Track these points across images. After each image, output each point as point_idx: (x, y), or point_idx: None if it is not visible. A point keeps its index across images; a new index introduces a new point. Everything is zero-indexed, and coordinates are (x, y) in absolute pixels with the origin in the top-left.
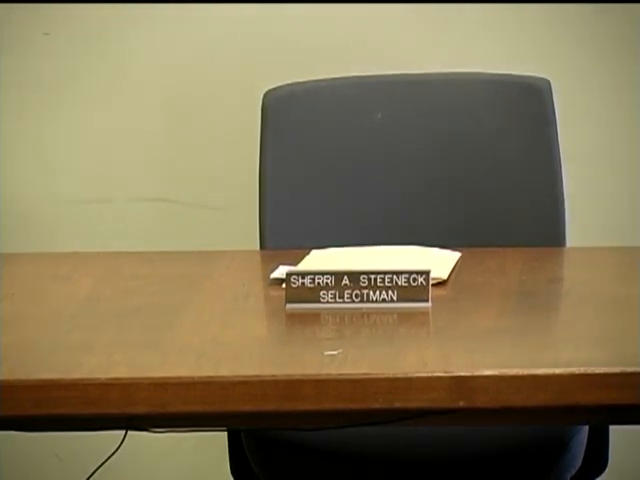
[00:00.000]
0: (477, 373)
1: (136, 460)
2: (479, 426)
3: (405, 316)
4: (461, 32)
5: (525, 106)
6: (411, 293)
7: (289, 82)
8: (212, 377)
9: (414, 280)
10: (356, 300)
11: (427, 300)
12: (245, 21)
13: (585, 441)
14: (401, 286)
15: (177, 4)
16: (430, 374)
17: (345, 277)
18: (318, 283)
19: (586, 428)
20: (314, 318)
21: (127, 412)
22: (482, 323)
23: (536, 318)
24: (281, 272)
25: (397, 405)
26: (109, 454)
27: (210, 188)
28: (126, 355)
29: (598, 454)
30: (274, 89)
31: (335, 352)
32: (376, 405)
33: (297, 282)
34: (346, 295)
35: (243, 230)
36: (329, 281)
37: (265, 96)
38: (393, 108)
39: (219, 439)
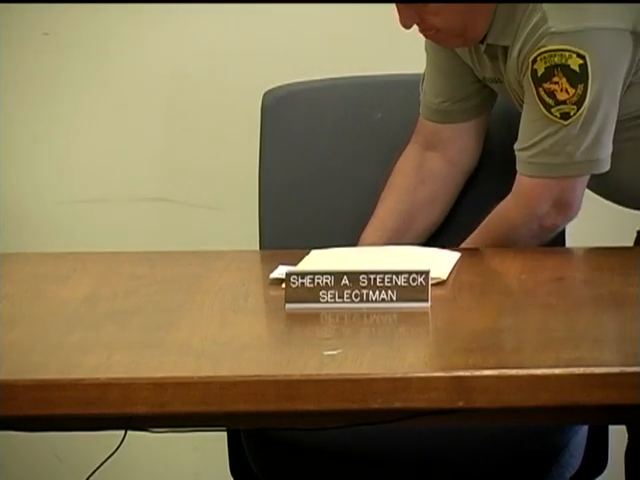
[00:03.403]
0: (477, 373)
1: (136, 460)
2: (479, 426)
3: (405, 316)
4: None
5: None
6: (411, 293)
7: (288, 82)
8: (212, 377)
9: (414, 280)
10: (356, 300)
11: (427, 300)
12: (244, 21)
13: (585, 441)
14: (401, 286)
15: (177, 5)
16: (430, 374)
17: (345, 277)
18: (318, 283)
19: (585, 428)
20: (314, 318)
21: (127, 412)
22: (482, 323)
23: (536, 318)
24: (281, 272)
25: (397, 405)
26: (109, 454)
27: (210, 188)
28: (125, 355)
29: (597, 454)
30: (273, 89)
31: (335, 352)
32: (376, 405)
33: (297, 282)
34: (346, 295)
35: (243, 230)
36: (329, 281)
37: (264, 96)
38: (393, 108)
39: (219, 439)
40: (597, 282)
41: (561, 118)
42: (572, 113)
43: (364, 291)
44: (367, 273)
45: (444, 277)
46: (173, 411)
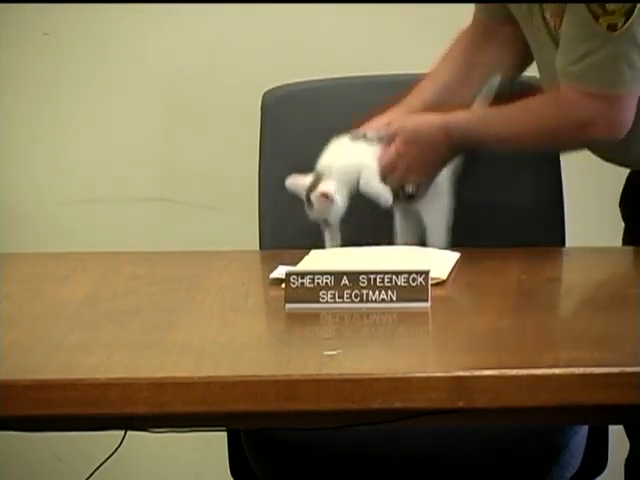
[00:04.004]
0: (477, 373)
1: (135, 460)
2: (479, 426)
3: (405, 316)
4: None
5: None
6: (410, 293)
7: (288, 82)
8: (212, 377)
9: (413, 280)
10: (355, 300)
11: (426, 300)
12: (244, 21)
13: (584, 441)
14: (400, 286)
15: (177, 5)
16: (430, 374)
17: (344, 277)
18: (317, 283)
19: (585, 428)
20: (314, 318)
21: (127, 412)
22: (481, 323)
23: (536, 318)
24: (280, 272)
25: (397, 405)
26: (108, 454)
27: (210, 188)
28: (126, 355)
29: (597, 454)
30: (273, 89)
31: (335, 352)
32: (376, 405)
33: (296, 282)
34: (345, 295)
35: (243, 230)
36: (328, 281)
37: (264, 96)
38: None
39: (219, 439)
40: (597, 282)
41: (608, 29)
42: (619, 25)
43: (364, 291)
44: (367, 273)
45: (444, 277)
46: (173, 411)
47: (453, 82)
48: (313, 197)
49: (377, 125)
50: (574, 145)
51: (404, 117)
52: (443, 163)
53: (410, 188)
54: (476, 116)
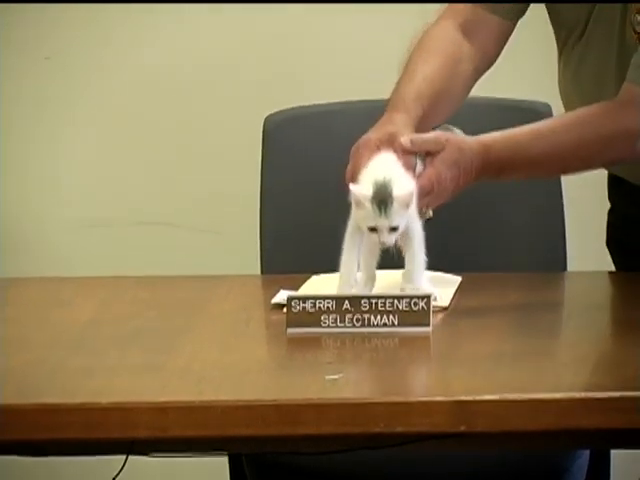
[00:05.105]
0: (478, 397)
1: None
2: (480, 450)
3: (406, 340)
4: None
5: None
6: (412, 318)
7: (290, 107)
8: (213, 401)
9: (415, 304)
10: (357, 324)
11: (428, 325)
12: (246, 46)
13: (586, 465)
14: (402, 310)
15: (178, 26)
16: (431, 398)
17: (346, 301)
18: (319, 307)
19: (587, 452)
20: (315, 342)
21: (128, 436)
22: (483, 347)
23: (537, 342)
24: (282, 297)
25: (398, 429)
26: (110, 478)
27: (211, 212)
28: (127, 379)
29: (599, 478)
30: (275, 114)
31: (336, 376)
32: (377, 429)
33: (298, 306)
34: (347, 319)
35: (244, 255)
36: (330, 305)
37: (266, 121)
38: None
39: (220, 464)
40: (598, 307)
41: None
42: None
43: (365, 315)
44: (368, 297)
45: (445, 304)
46: (174, 435)
47: (440, 81)
48: (394, 199)
49: (426, 139)
50: (623, 158)
51: (448, 136)
52: (465, 187)
53: (431, 212)
54: (519, 145)
